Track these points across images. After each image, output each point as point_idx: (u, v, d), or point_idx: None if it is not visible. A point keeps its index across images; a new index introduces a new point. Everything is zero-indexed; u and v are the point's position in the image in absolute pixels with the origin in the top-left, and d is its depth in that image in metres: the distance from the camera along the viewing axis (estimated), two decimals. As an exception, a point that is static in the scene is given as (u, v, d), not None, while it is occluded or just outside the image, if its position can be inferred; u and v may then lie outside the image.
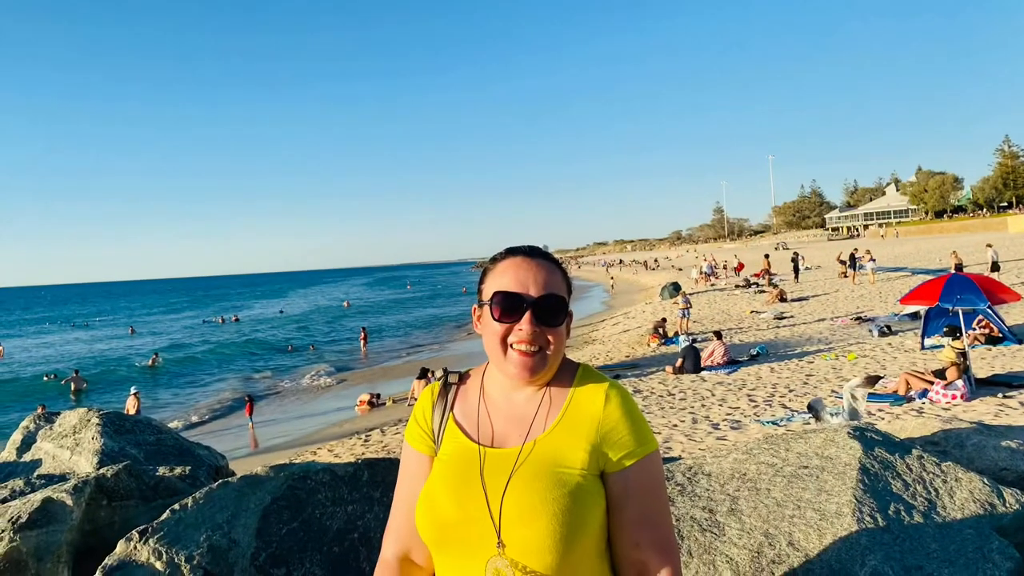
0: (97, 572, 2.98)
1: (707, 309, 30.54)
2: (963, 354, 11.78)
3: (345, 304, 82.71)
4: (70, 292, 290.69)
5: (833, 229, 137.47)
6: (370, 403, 20.17)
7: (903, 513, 2.88)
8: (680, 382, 15.81)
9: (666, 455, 7.56)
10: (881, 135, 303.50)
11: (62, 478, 4.61)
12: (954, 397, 11.16)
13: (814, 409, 10.56)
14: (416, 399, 2.06)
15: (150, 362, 37.46)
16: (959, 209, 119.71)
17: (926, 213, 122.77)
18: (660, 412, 12.83)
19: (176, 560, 2.98)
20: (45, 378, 33.84)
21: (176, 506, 3.27)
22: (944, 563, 2.63)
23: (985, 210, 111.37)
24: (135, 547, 3.02)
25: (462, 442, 1.72)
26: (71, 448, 5.72)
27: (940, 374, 11.67)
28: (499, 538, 1.56)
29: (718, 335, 17.90)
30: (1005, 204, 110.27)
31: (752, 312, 27.29)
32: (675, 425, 11.59)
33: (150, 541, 3.03)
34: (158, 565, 2.96)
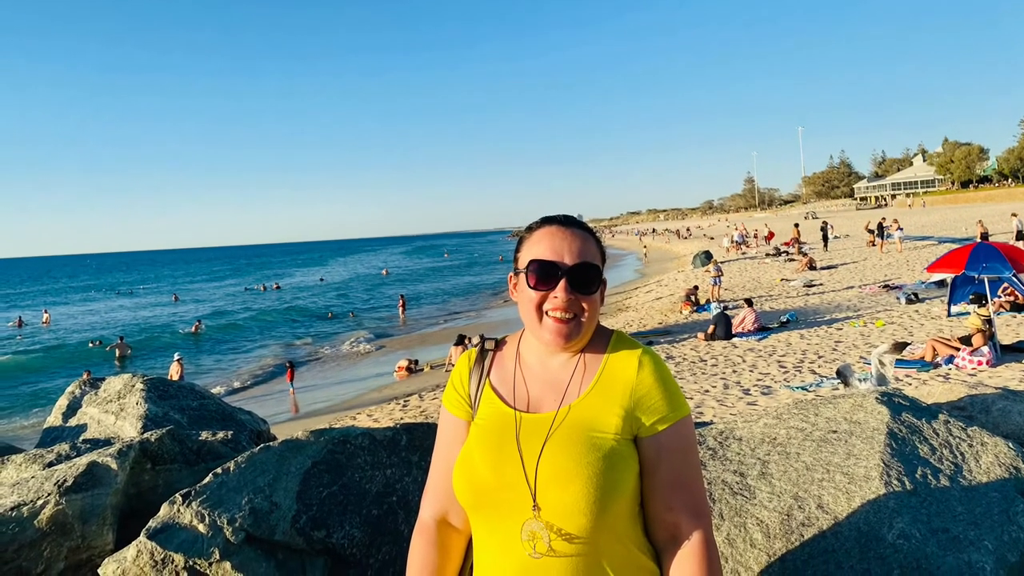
0: (141, 534, 3.02)
1: (738, 277, 30.36)
2: (989, 321, 11.75)
3: (384, 272, 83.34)
4: (115, 260, 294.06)
5: (861, 199, 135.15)
6: (408, 369, 20.34)
7: (930, 477, 2.89)
8: (712, 348, 15.78)
9: (698, 420, 7.60)
10: (908, 107, 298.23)
11: (107, 442, 4.67)
12: (980, 363, 11.12)
13: (843, 375, 10.58)
14: (453, 365, 2.10)
15: (193, 329, 37.82)
16: (984, 179, 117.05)
17: (952, 183, 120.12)
18: (692, 378, 12.84)
19: (218, 522, 3.02)
20: (91, 344, 34.34)
21: (219, 470, 3.30)
22: (970, 525, 2.64)
23: (1010, 180, 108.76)
24: (178, 510, 3.06)
25: (498, 407, 1.75)
26: (116, 413, 5.85)
27: (966, 340, 11.63)
28: (534, 501, 1.59)
29: (749, 302, 17.79)
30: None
31: (782, 280, 27.11)
32: (707, 390, 11.62)
33: (193, 504, 3.07)
34: (201, 527, 3.00)
